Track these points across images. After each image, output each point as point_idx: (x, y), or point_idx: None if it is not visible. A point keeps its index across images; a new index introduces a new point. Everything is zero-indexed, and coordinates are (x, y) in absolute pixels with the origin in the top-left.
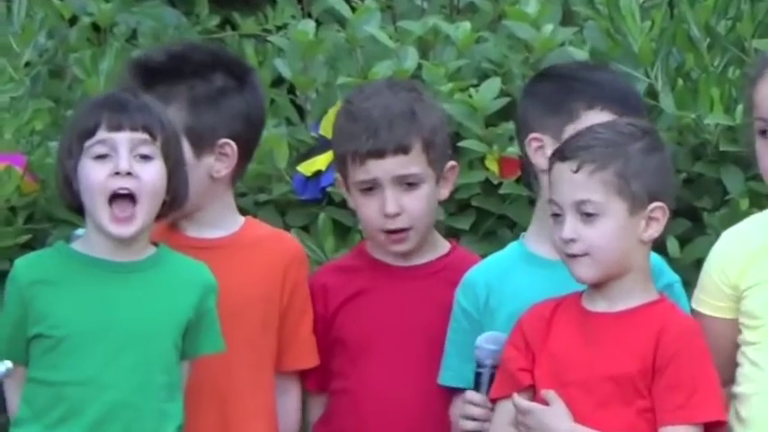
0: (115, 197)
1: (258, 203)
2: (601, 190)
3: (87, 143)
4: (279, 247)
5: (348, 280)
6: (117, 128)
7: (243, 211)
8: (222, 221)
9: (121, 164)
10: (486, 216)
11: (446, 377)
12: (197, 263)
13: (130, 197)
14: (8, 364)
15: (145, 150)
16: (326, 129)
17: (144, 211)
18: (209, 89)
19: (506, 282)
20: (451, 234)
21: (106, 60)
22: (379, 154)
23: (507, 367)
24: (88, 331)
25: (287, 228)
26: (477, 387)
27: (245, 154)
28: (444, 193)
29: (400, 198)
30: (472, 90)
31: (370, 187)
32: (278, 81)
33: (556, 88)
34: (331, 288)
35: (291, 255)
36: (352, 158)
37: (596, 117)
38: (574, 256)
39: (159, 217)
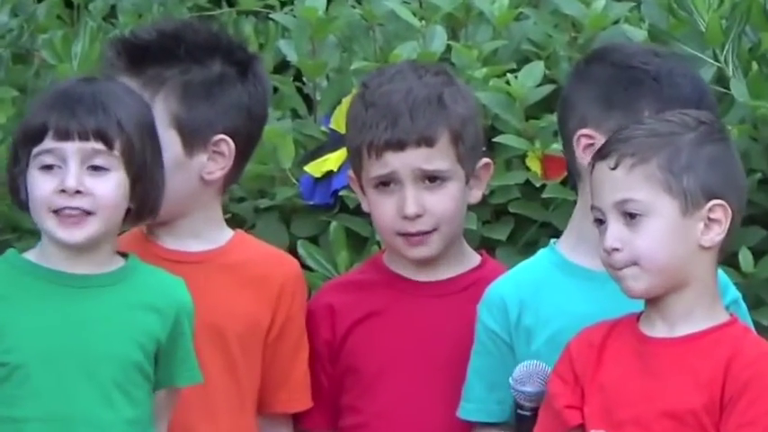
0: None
1: (259, 210)
2: (644, 186)
3: (34, 151)
4: (272, 267)
5: (359, 298)
6: (65, 136)
7: (241, 219)
8: (206, 233)
9: (68, 181)
10: (527, 224)
11: (468, 410)
12: (173, 279)
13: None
14: None
15: (98, 161)
16: (339, 122)
17: (98, 221)
18: (207, 76)
19: (542, 297)
20: (486, 245)
21: (80, 42)
22: (400, 146)
23: (553, 404)
24: (45, 357)
25: (292, 239)
26: None
27: (242, 155)
28: (476, 195)
29: (422, 197)
30: (510, 76)
31: (387, 183)
32: (282, 66)
33: (617, 77)
34: (338, 309)
35: (286, 278)
36: (367, 151)
37: None
38: (621, 268)
39: (126, 225)
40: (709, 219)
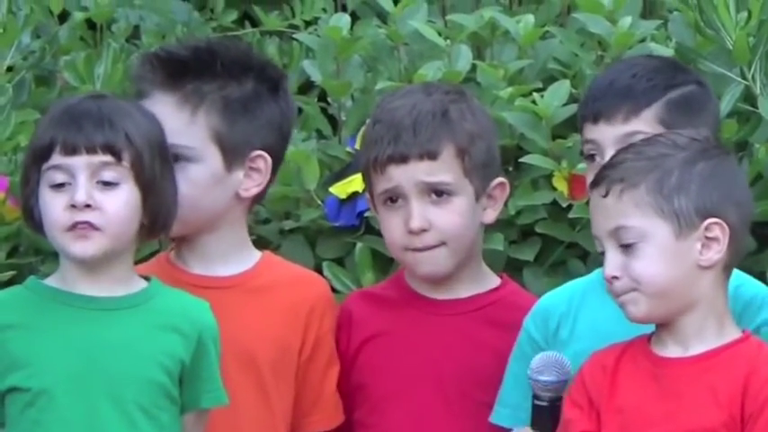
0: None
1: (283, 232)
2: (635, 212)
3: (43, 167)
4: (302, 289)
5: (376, 312)
6: (72, 151)
7: (266, 241)
8: (233, 255)
9: (78, 195)
10: (554, 244)
11: (501, 415)
12: (197, 301)
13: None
14: None
15: (107, 176)
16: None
17: (107, 236)
18: (244, 92)
19: (581, 312)
20: (513, 266)
21: (103, 63)
22: (402, 159)
23: (569, 430)
24: (68, 381)
25: (318, 260)
26: (534, 424)
27: (273, 172)
28: (490, 215)
29: (427, 211)
30: (536, 95)
31: (394, 198)
32: (307, 86)
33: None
34: (356, 319)
35: (316, 298)
36: (373, 166)
37: (596, 132)
38: (621, 294)
39: (141, 240)
40: (707, 238)
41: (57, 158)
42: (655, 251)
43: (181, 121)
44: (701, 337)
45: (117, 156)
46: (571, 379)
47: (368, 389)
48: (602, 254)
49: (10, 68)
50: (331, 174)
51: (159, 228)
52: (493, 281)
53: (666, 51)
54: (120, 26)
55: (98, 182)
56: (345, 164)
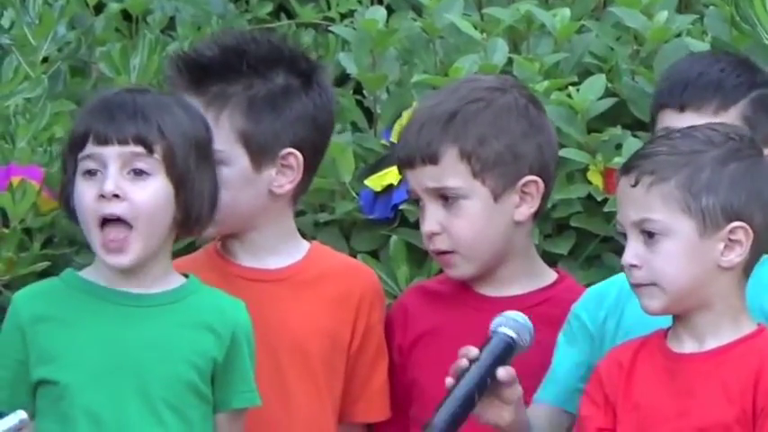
0: (107, 221)
1: (318, 224)
2: (662, 206)
3: (79, 157)
4: (350, 280)
5: (429, 307)
6: (104, 141)
7: (301, 233)
8: (282, 248)
9: (106, 185)
10: (589, 238)
11: (548, 392)
12: (232, 300)
13: (124, 221)
14: (22, 414)
15: (139, 165)
16: (399, 135)
17: (141, 237)
18: (271, 89)
19: (627, 306)
20: (547, 259)
21: (138, 55)
22: (409, 163)
23: (585, 427)
24: (97, 375)
25: (352, 253)
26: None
27: (310, 165)
28: (523, 212)
29: (440, 215)
30: (572, 89)
31: (418, 200)
32: (342, 79)
33: None
34: (412, 315)
35: (365, 289)
36: (399, 168)
37: (681, 120)
38: (639, 285)
39: (178, 238)
40: (730, 240)
41: (90, 148)
42: (677, 247)
43: None
44: (717, 333)
45: (148, 147)
46: (520, 339)
47: (421, 385)
48: (623, 234)
49: (45, 59)
50: (366, 166)
51: (193, 223)
52: (547, 277)
53: (702, 46)
54: (156, 17)
55: (129, 171)
56: (380, 156)
